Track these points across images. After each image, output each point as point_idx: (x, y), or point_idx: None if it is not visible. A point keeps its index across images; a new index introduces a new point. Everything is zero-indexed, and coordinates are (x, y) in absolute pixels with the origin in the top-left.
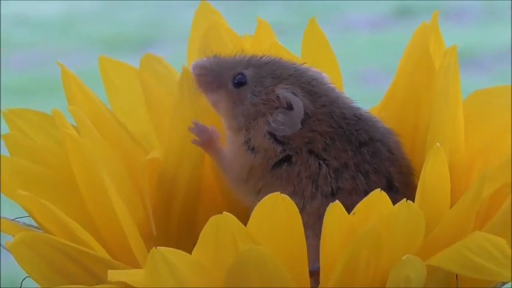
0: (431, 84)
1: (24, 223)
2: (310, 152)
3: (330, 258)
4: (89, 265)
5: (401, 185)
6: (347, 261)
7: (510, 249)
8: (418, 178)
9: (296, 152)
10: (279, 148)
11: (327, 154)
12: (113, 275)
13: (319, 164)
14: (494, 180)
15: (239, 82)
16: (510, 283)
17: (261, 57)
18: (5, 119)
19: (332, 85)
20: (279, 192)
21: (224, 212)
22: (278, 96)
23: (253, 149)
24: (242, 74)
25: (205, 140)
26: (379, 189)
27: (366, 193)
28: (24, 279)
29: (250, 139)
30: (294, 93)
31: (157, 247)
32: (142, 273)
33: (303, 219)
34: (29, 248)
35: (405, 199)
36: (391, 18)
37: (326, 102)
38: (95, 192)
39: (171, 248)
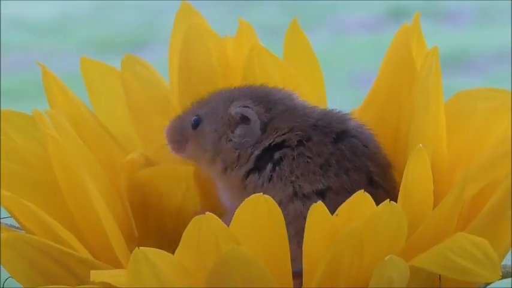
0: (413, 86)
1: (6, 224)
2: (291, 148)
3: (312, 259)
4: (71, 266)
5: (380, 178)
6: (329, 262)
7: (493, 250)
8: (398, 174)
9: (277, 152)
10: (249, 150)
11: (308, 150)
12: (96, 276)
13: (307, 162)
14: (476, 181)
15: (196, 123)
16: (494, 284)
17: (210, 95)
18: None
19: (300, 101)
20: (262, 193)
21: (207, 213)
22: (231, 115)
23: (229, 166)
24: (197, 115)
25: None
26: (363, 190)
27: (350, 191)
28: (6, 279)
29: (224, 159)
30: (245, 106)
31: (140, 247)
32: (125, 273)
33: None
34: (11, 249)
35: (388, 200)
36: (386, 19)
37: (284, 107)
38: (76, 193)
39: (153, 249)
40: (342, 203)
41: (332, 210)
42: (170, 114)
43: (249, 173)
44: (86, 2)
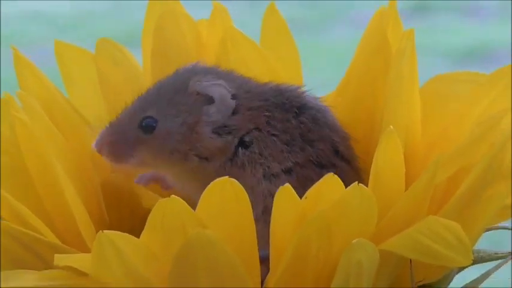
0: (388, 70)
1: None
2: (259, 129)
3: (280, 243)
4: (39, 251)
5: (345, 149)
6: (296, 247)
7: (465, 235)
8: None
9: (247, 134)
10: (229, 137)
11: (274, 128)
12: (59, 260)
13: (274, 140)
14: (450, 164)
15: (149, 127)
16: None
17: (148, 91)
18: None
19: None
20: (228, 176)
21: (172, 196)
22: (197, 93)
23: (206, 159)
24: (147, 116)
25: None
26: (332, 173)
27: (317, 163)
28: None
29: (199, 154)
30: (206, 81)
31: (103, 231)
32: (90, 257)
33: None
34: None
35: (357, 182)
36: (409, 14)
37: (246, 87)
38: (45, 177)
39: (118, 232)
40: (309, 176)
41: (300, 186)
42: None
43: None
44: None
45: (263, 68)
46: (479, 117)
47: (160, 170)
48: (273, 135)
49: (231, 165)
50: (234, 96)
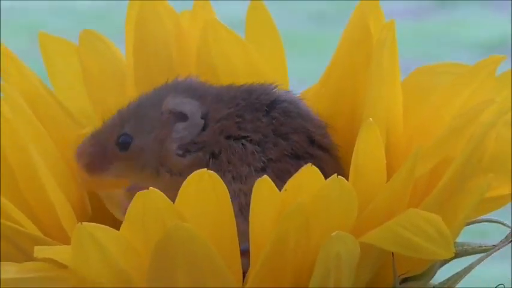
0: (369, 62)
1: None
2: (229, 137)
3: (259, 237)
4: (20, 243)
5: (321, 138)
6: (275, 241)
7: (446, 227)
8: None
9: (216, 145)
10: (200, 153)
11: (244, 131)
12: (39, 251)
13: (243, 144)
14: (431, 157)
15: (125, 144)
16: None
17: (129, 106)
18: None
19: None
20: (205, 169)
21: (150, 188)
22: (170, 111)
23: (179, 174)
24: (123, 134)
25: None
26: (310, 164)
27: (292, 156)
28: None
29: (169, 170)
30: (178, 101)
31: (82, 223)
32: (70, 249)
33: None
34: None
35: (336, 175)
36: (433, 6)
37: (212, 97)
38: (27, 171)
39: (97, 224)
40: (286, 169)
41: (278, 179)
42: (126, 89)
43: None
44: None
45: (245, 62)
46: (460, 109)
47: (137, 182)
48: (244, 137)
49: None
50: (203, 114)
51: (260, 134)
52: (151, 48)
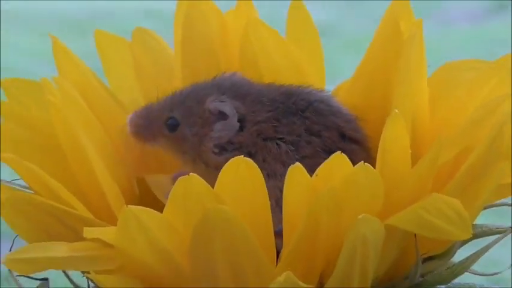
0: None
1: (19, 184)
2: (265, 139)
3: (291, 220)
4: (72, 224)
5: (352, 132)
6: (307, 221)
7: (464, 210)
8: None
9: (253, 146)
10: (235, 153)
11: (280, 133)
12: (88, 232)
13: (277, 144)
14: (454, 145)
15: (173, 126)
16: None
17: (182, 91)
18: (3, 88)
19: (250, 81)
20: (242, 156)
21: (191, 174)
22: (210, 111)
23: (215, 168)
24: (171, 117)
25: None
26: (340, 151)
27: (325, 151)
28: (16, 237)
29: (205, 163)
30: (220, 101)
31: (128, 205)
32: (116, 230)
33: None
34: (12, 208)
35: (363, 162)
36: (491, 11)
37: (253, 97)
38: (77, 157)
39: (142, 207)
40: (318, 164)
41: (311, 172)
42: (174, 83)
43: None
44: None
45: (286, 60)
46: (483, 100)
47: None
48: (279, 139)
49: None
50: (242, 115)
51: (294, 135)
52: (198, 46)
